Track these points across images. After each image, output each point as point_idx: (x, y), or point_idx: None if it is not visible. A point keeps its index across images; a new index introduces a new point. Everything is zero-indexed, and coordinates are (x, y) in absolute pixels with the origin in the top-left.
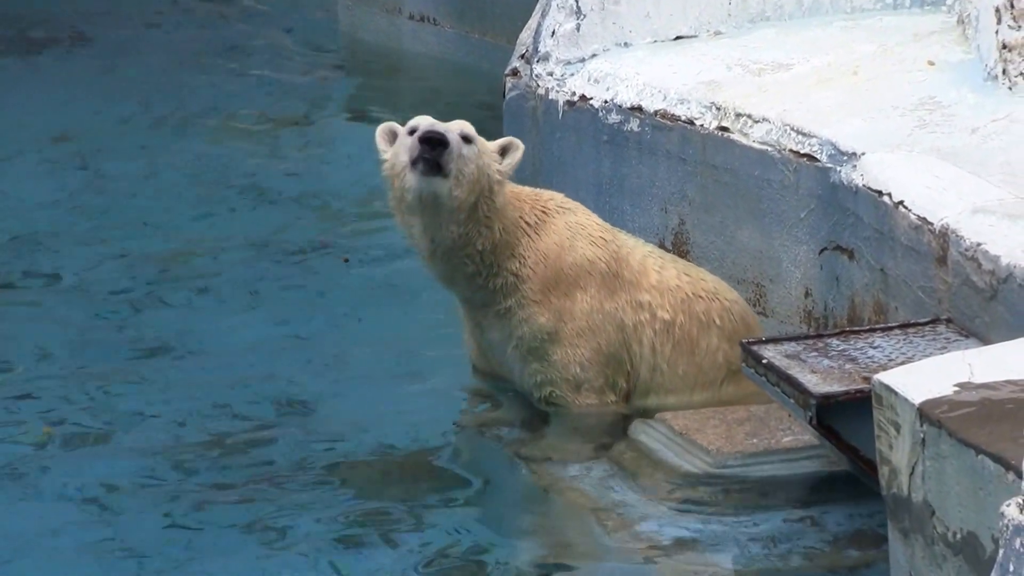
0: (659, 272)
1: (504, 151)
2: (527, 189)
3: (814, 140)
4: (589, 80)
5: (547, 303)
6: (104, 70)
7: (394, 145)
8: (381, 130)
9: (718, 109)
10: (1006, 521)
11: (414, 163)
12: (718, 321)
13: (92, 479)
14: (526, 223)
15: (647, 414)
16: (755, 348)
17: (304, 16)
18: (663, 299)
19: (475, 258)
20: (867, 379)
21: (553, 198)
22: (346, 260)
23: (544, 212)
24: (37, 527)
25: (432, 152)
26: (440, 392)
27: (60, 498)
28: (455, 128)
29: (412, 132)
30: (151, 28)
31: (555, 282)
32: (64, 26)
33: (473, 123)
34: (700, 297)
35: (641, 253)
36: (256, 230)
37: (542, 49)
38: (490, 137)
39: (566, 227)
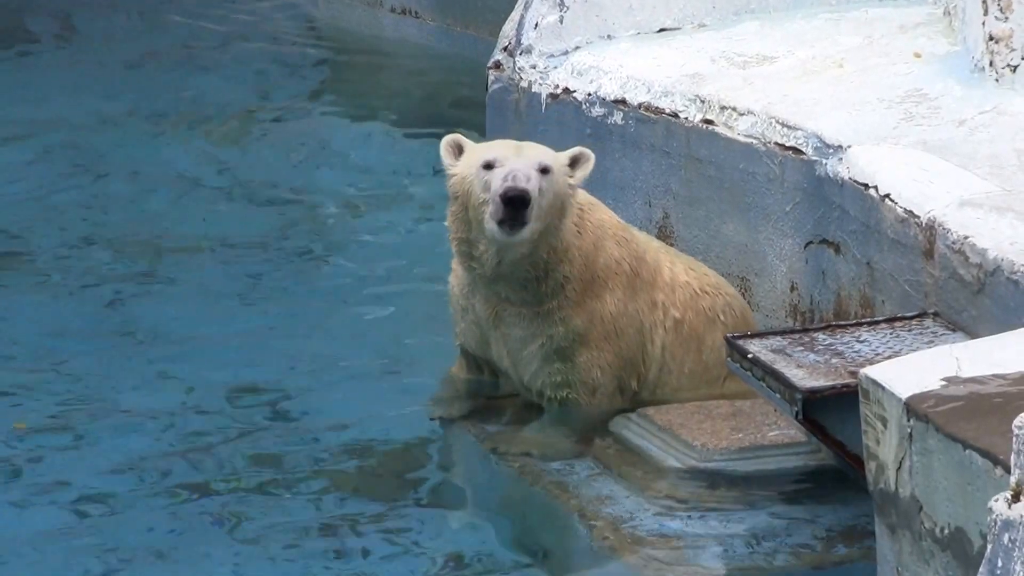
0: (670, 268)
1: (574, 162)
2: None
3: (799, 133)
4: (572, 73)
5: (583, 304)
6: (82, 65)
7: (467, 167)
8: (447, 143)
9: (702, 102)
10: (994, 516)
11: (494, 218)
12: (722, 317)
13: (67, 478)
14: (573, 223)
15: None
16: (740, 343)
17: (283, 10)
18: (674, 296)
19: (538, 265)
20: (854, 374)
21: (578, 193)
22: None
23: (580, 209)
24: (10, 526)
25: (516, 213)
26: (423, 389)
27: (35, 497)
28: (533, 160)
29: (489, 166)
30: (127, 22)
31: (591, 283)
32: (45, 18)
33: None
34: (706, 293)
35: (653, 249)
36: (235, 226)
37: (525, 42)
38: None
39: (597, 225)
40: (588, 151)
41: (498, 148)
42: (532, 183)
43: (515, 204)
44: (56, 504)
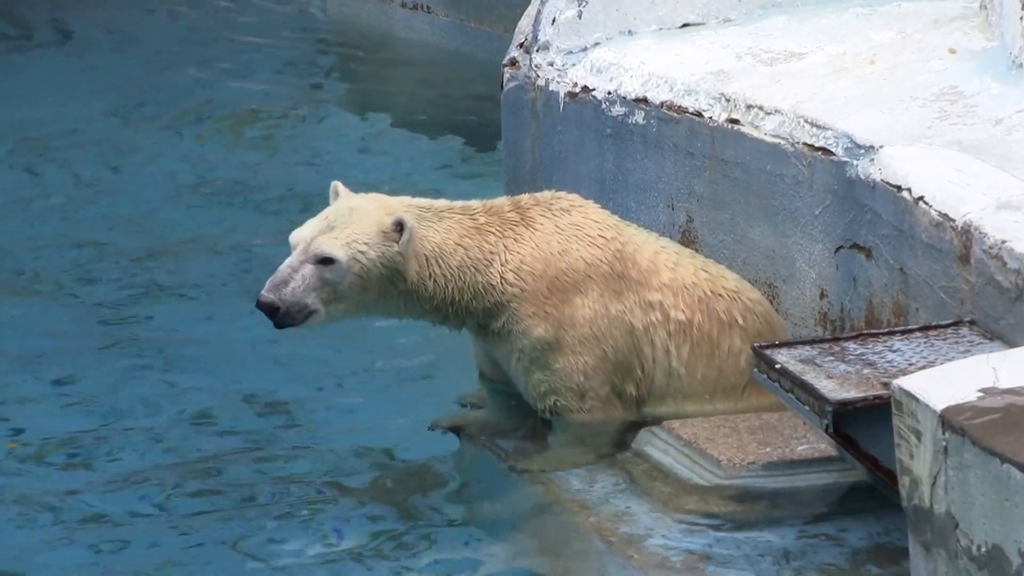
0: (672, 270)
1: (401, 227)
2: (504, 203)
3: (829, 133)
4: (591, 70)
5: (543, 314)
6: (82, 63)
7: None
8: (331, 189)
9: (727, 100)
10: None
11: None
12: (741, 321)
13: (67, 494)
14: (502, 246)
15: (661, 421)
16: (768, 352)
17: (291, 5)
18: (677, 298)
19: (434, 311)
20: (886, 385)
21: (539, 203)
22: None
23: (526, 223)
24: (14, 541)
25: (272, 321)
26: (436, 401)
27: (39, 511)
28: (311, 253)
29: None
30: (130, 19)
31: (548, 291)
32: (41, 19)
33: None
34: (720, 296)
35: (652, 250)
36: (241, 228)
37: (542, 38)
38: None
39: (557, 231)
40: (409, 220)
41: (300, 231)
42: (288, 289)
43: (264, 312)
44: (60, 518)
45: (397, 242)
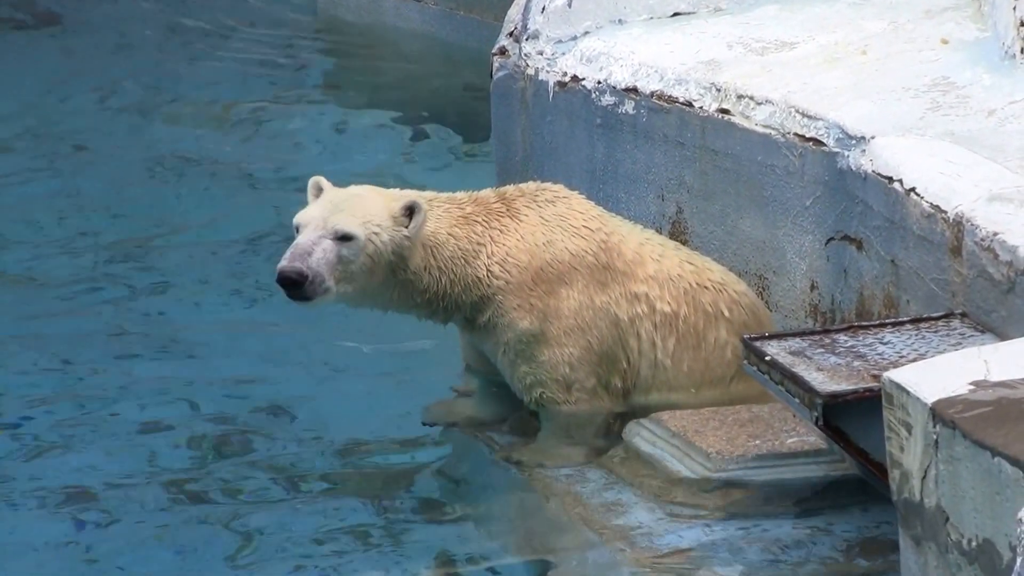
0: (658, 261)
1: (410, 211)
2: (490, 194)
3: (820, 123)
4: (581, 59)
5: (527, 306)
6: (69, 52)
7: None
8: (311, 184)
9: (718, 90)
10: None
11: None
12: (727, 313)
13: (60, 483)
14: (488, 237)
15: (648, 413)
16: (758, 344)
17: None
18: (662, 290)
19: (425, 305)
20: (877, 377)
21: (524, 194)
22: None
23: (511, 214)
24: (9, 534)
25: (294, 292)
26: (429, 393)
27: (33, 504)
28: (329, 229)
29: (297, 230)
30: (117, 6)
31: (533, 283)
32: (28, 5)
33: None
34: (706, 288)
35: (636, 241)
36: (233, 218)
37: (531, 26)
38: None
39: (541, 222)
40: (420, 203)
41: (308, 212)
42: (313, 259)
43: (285, 285)
44: (54, 511)
45: (406, 227)
